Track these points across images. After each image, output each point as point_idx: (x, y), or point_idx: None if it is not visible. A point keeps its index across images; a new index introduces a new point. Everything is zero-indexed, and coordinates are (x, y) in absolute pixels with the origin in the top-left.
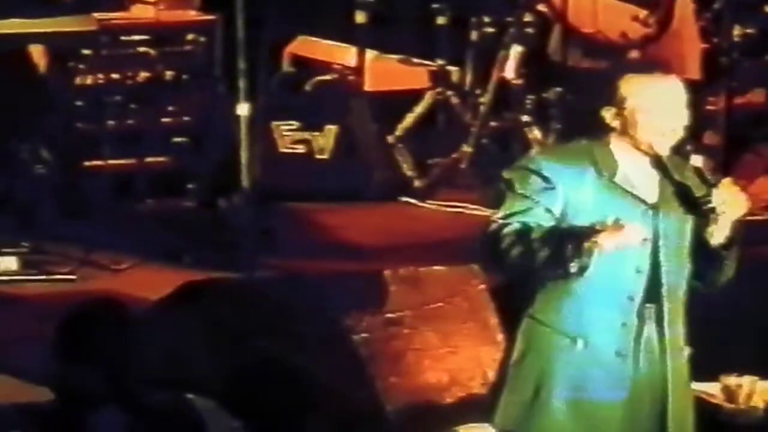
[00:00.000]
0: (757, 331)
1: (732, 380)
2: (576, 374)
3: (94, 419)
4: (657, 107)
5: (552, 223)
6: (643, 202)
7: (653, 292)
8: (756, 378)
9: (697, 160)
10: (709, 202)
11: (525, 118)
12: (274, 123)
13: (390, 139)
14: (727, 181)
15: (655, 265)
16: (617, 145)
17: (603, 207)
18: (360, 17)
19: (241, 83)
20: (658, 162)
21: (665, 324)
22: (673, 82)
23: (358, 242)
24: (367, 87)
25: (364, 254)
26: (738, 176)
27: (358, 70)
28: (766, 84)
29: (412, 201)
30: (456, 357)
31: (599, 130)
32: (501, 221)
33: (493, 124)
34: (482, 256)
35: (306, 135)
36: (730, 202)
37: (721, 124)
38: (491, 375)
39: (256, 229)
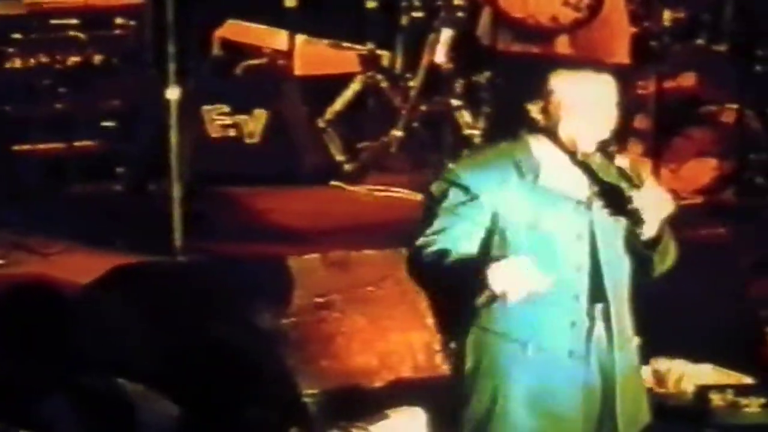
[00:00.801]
0: (687, 315)
1: (662, 364)
2: (531, 379)
3: (41, 406)
4: (584, 103)
5: (479, 235)
6: (573, 199)
7: (598, 290)
8: (686, 361)
9: (622, 161)
10: (633, 202)
11: (455, 101)
12: (205, 107)
13: (320, 123)
14: (649, 183)
15: (596, 262)
16: (538, 144)
17: (532, 209)
18: (290, 1)
19: (171, 67)
20: (579, 160)
21: (612, 321)
22: (603, 80)
23: (288, 226)
24: (297, 71)
25: (295, 238)
26: (669, 160)
27: (288, 54)
28: (696, 67)
29: (342, 185)
30: (386, 341)
31: (527, 118)
32: (425, 239)
33: (423, 107)
34: (408, 271)
35: (236, 119)
36: (651, 205)
37: (652, 107)
38: (421, 359)
39: (187, 213)
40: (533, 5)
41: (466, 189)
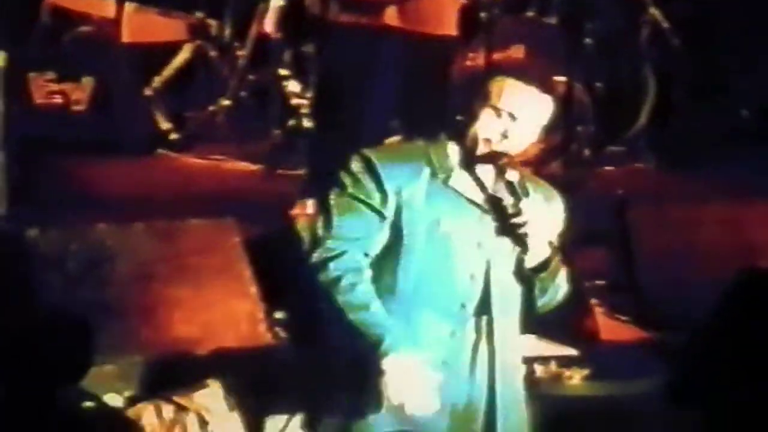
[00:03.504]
0: None
1: None
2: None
3: None
4: (513, 111)
5: (382, 232)
6: (479, 206)
7: (485, 304)
8: None
9: (511, 175)
10: (517, 218)
11: (283, 71)
12: (31, 74)
13: (147, 91)
14: (533, 199)
15: (488, 275)
16: (455, 148)
17: (437, 208)
18: None
19: None
20: (471, 169)
21: (495, 339)
22: (544, 100)
23: (113, 194)
24: (125, 39)
25: (120, 206)
26: None
27: (117, 22)
28: (526, 40)
29: (169, 153)
30: (209, 310)
31: (353, 87)
32: (327, 248)
33: (251, 77)
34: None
35: (63, 86)
36: (535, 221)
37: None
38: (244, 328)
39: (14, 182)
40: None
41: (377, 176)
